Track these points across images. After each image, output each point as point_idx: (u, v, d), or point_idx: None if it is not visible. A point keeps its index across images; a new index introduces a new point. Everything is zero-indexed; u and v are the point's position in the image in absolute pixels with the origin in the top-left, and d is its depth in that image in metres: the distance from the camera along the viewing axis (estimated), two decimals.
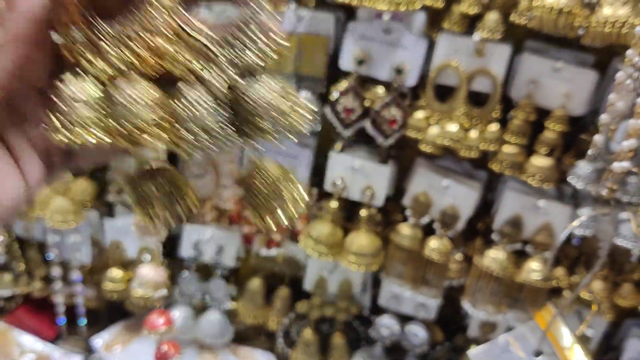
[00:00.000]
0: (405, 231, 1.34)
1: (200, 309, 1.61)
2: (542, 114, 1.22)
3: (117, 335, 1.63)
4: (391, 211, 1.42)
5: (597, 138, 1.10)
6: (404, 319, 1.51)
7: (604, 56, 1.19)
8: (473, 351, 1.02)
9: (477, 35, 1.13)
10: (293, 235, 1.46)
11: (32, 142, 0.50)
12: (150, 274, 1.31)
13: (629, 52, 0.88)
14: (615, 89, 0.87)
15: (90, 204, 1.55)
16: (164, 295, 1.36)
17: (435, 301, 1.40)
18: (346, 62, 1.25)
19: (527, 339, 0.97)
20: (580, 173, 1.19)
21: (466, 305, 1.35)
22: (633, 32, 1.03)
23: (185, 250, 1.53)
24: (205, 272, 1.61)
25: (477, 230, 1.39)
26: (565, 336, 0.95)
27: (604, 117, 0.98)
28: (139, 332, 1.65)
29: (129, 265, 1.60)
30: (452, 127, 1.21)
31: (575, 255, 1.32)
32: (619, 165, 0.88)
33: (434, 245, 1.32)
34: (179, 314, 1.57)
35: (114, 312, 1.82)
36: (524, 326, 1.00)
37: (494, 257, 1.29)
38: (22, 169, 0.49)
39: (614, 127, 0.98)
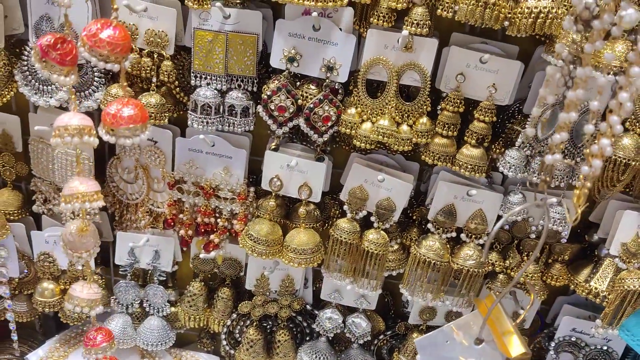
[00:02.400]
0: (343, 225, 1.35)
1: (139, 316, 1.57)
2: (470, 105, 1.25)
3: (53, 350, 1.57)
4: (328, 206, 1.42)
5: (528, 129, 1.14)
6: (347, 311, 1.53)
7: (528, 46, 1.23)
8: (418, 339, 1.03)
9: (405, 31, 1.14)
10: (232, 236, 1.44)
11: None
12: (84, 292, 1.26)
13: (557, 46, 0.90)
14: (546, 83, 0.90)
15: (16, 216, 1.48)
16: (101, 312, 1.31)
17: (376, 292, 1.41)
18: (277, 60, 1.23)
19: (470, 328, 1.00)
20: (510, 161, 1.23)
21: (405, 292, 1.38)
22: (558, 23, 1.07)
23: (120, 257, 1.48)
24: (142, 278, 1.57)
25: (412, 220, 1.41)
26: (504, 324, 0.98)
27: (534, 110, 1.01)
28: (76, 345, 1.60)
29: (60, 277, 1.54)
30: (384, 122, 1.22)
31: (507, 239, 1.36)
32: (552, 158, 0.92)
33: (372, 238, 1.34)
34: (117, 323, 1.53)
35: (47, 324, 1.76)
36: (468, 315, 1.02)
37: (430, 246, 1.32)
38: None
39: (544, 119, 1.01)
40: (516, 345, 0.97)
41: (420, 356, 0.99)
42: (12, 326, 1.58)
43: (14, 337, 1.60)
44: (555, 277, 1.37)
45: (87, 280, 1.28)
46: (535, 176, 1.23)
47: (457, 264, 1.31)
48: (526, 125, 1.18)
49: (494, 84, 1.20)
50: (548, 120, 1.12)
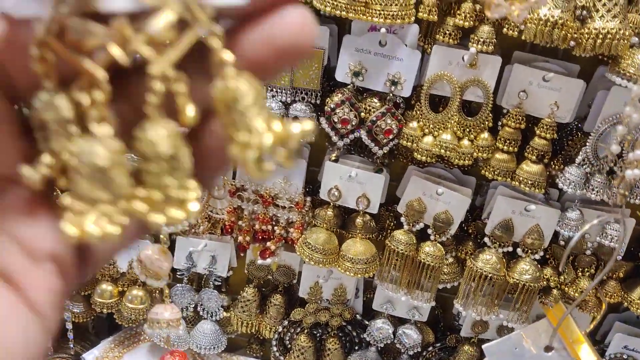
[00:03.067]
0: (400, 237, 1.37)
1: (191, 320, 1.61)
2: (531, 122, 1.27)
3: (107, 351, 1.61)
4: (383, 218, 1.45)
5: (613, 146, 1.15)
6: (397, 321, 1.55)
7: (587, 65, 1.25)
8: (486, 345, 1.06)
9: (473, 48, 1.17)
10: (287, 244, 1.47)
11: (29, 251, 0.39)
12: (167, 314, 1.31)
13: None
14: (632, 102, 0.92)
15: None
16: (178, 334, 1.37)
17: (429, 304, 1.43)
18: (342, 74, 1.27)
19: (538, 335, 1.02)
20: (570, 178, 1.25)
21: (459, 306, 1.40)
22: (624, 44, 1.09)
23: (179, 262, 1.52)
24: (196, 282, 1.61)
25: (468, 234, 1.43)
26: (575, 333, 1.00)
27: (620, 129, 1.03)
28: (130, 346, 1.64)
29: (119, 279, 1.58)
30: (446, 136, 1.25)
31: (562, 255, 1.37)
32: (632, 173, 0.93)
33: (428, 250, 1.36)
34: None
35: (100, 325, 1.80)
36: (537, 323, 1.04)
37: (487, 260, 1.34)
38: (27, 297, 0.38)
39: (630, 137, 1.03)
40: (588, 354, 0.98)
41: None
42: (68, 326, 1.63)
43: (70, 336, 1.64)
44: (609, 294, 1.38)
45: (165, 302, 1.32)
46: (593, 193, 1.24)
47: (513, 278, 1.33)
48: (593, 143, 1.19)
49: (555, 102, 1.22)
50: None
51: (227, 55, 0.35)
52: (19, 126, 0.37)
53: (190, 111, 0.36)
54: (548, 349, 0.98)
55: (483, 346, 1.04)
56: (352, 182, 1.36)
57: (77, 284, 0.42)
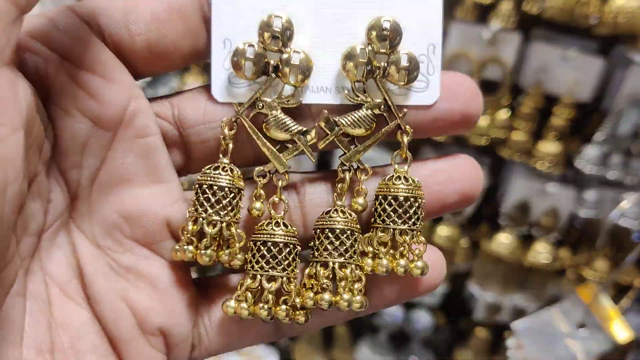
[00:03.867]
0: None
1: None
2: (549, 101, 1.25)
3: None
4: None
5: (607, 125, 1.15)
6: (408, 305, 1.53)
7: (607, 43, 1.24)
8: (516, 323, 1.05)
9: (495, 25, 1.15)
10: None
11: (141, 320, 0.42)
12: None
13: None
14: None
15: None
16: None
17: (442, 286, 1.42)
18: None
19: (570, 313, 1.01)
20: (588, 157, 1.24)
21: (474, 288, 1.38)
22: None
23: None
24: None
25: (481, 216, 1.41)
26: (606, 310, 0.99)
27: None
28: None
29: None
30: None
31: (577, 236, 1.37)
32: None
33: (444, 233, 1.34)
34: None
35: None
36: (568, 300, 1.03)
37: (503, 242, 1.33)
38: None
39: None
40: (622, 331, 0.98)
41: (522, 340, 0.99)
42: None
43: None
44: (623, 273, 1.37)
45: None
46: (611, 173, 1.23)
47: (529, 259, 1.32)
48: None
49: (575, 80, 1.21)
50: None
51: (409, 158, 0.44)
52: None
53: (361, 201, 0.44)
54: (580, 325, 0.98)
55: (512, 324, 1.03)
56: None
57: None
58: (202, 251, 0.42)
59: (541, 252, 1.31)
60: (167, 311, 0.42)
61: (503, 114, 1.24)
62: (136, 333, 0.41)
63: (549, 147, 1.24)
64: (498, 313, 1.45)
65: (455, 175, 0.45)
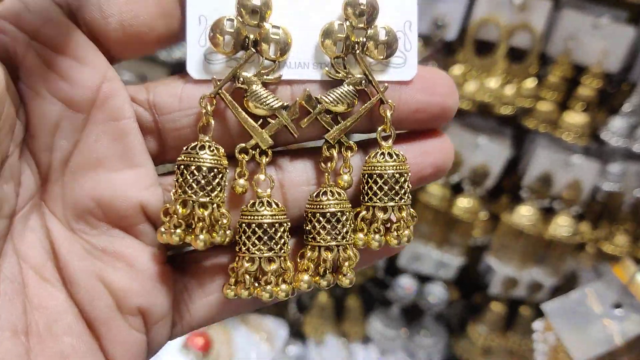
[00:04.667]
0: (434, 191, 1.32)
1: None
2: (577, 71, 1.23)
3: None
4: None
5: (635, 96, 1.12)
6: (422, 279, 1.51)
7: (637, 12, 1.21)
8: (546, 305, 1.02)
9: None
10: None
11: (119, 302, 0.41)
12: None
13: None
14: None
15: None
16: None
17: (458, 260, 1.40)
18: None
19: (604, 293, 0.98)
20: (614, 129, 1.21)
21: (492, 261, 1.36)
22: None
23: None
24: None
25: (501, 189, 1.39)
26: None
27: None
28: None
29: None
30: (492, 83, 1.20)
31: (599, 210, 1.35)
32: None
33: (463, 204, 1.32)
34: None
35: None
36: (601, 280, 1.01)
37: (524, 214, 1.30)
38: (104, 348, 0.41)
39: None
40: None
41: (552, 322, 0.97)
42: None
43: None
44: None
45: None
46: (638, 145, 1.21)
47: (550, 233, 1.30)
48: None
49: (604, 49, 1.18)
50: None
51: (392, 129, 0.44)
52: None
53: (346, 178, 0.44)
54: (616, 305, 0.95)
55: (542, 306, 1.00)
56: None
57: (164, 342, 0.44)
58: (197, 235, 0.41)
59: (562, 226, 1.29)
60: (145, 291, 0.42)
61: (530, 83, 1.21)
62: (114, 313, 0.41)
63: (575, 117, 1.22)
64: (514, 287, 1.44)
65: (429, 149, 0.46)
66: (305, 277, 0.43)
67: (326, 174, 0.44)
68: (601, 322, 0.96)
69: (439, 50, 1.21)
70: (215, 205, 0.41)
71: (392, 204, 0.43)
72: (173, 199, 0.41)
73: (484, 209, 1.36)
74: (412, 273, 1.48)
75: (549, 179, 1.29)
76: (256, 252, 0.42)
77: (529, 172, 1.30)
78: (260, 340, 1.47)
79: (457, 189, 1.34)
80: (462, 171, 1.31)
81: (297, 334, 1.54)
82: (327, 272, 0.43)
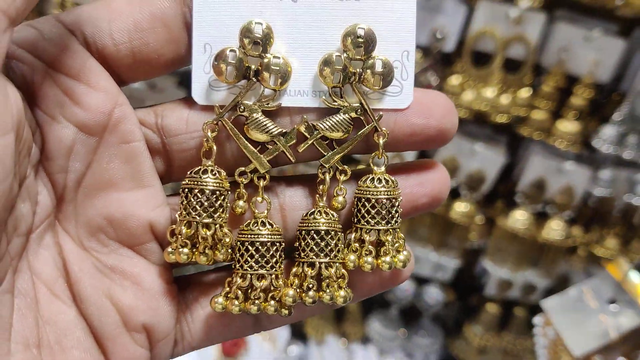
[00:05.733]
0: None
1: None
2: (569, 81, 1.28)
3: None
4: None
5: (625, 105, 1.18)
6: (419, 281, 1.55)
7: (629, 25, 1.26)
8: (547, 302, 1.08)
9: (523, 4, 1.17)
10: None
11: (125, 318, 0.44)
12: None
13: None
14: None
15: None
16: None
17: (455, 262, 1.44)
18: None
19: (600, 289, 1.04)
20: (605, 137, 1.26)
21: (487, 264, 1.41)
22: None
23: None
24: None
25: (497, 194, 1.44)
26: (635, 286, 1.02)
27: None
28: None
29: None
30: (489, 93, 1.25)
31: (590, 214, 1.40)
32: None
33: (460, 209, 1.36)
34: None
35: None
36: (596, 277, 1.06)
37: (519, 218, 1.35)
38: None
39: None
40: None
41: (552, 317, 1.02)
42: None
43: None
44: (633, 251, 1.41)
45: None
46: (628, 153, 1.26)
47: (543, 236, 1.35)
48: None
49: (595, 61, 1.23)
50: None
51: (383, 159, 0.46)
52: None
53: (341, 199, 0.46)
54: (611, 301, 1.01)
55: (542, 302, 1.05)
56: None
57: (167, 358, 0.46)
58: (201, 253, 0.44)
59: (555, 229, 1.34)
60: (150, 309, 0.44)
61: (524, 92, 1.26)
62: (120, 330, 0.43)
63: (568, 126, 1.27)
64: (509, 289, 1.48)
65: (425, 180, 0.47)
66: (290, 291, 0.44)
67: (317, 195, 0.46)
68: (597, 317, 1.01)
69: (438, 61, 1.26)
70: (217, 225, 0.44)
71: (381, 227, 0.45)
72: (178, 220, 0.44)
73: (480, 213, 1.41)
74: (410, 275, 1.52)
75: (543, 184, 1.34)
76: (248, 268, 0.44)
77: (523, 178, 1.35)
78: (262, 340, 1.52)
79: (454, 194, 1.39)
80: (459, 177, 1.36)
81: (298, 334, 1.59)
82: (311, 288, 0.45)
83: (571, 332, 1.02)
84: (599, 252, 1.37)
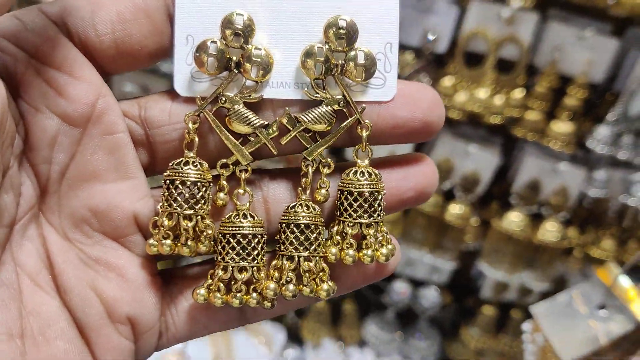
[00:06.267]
0: None
1: None
2: (563, 81, 1.27)
3: None
4: None
5: (619, 105, 1.17)
6: (416, 283, 1.55)
7: (621, 25, 1.26)
8: (537, 307, 1.06)
9: (515, 4, 1.16)
10: None
11: (109, 310, 0.43)
12: None
13: None
14: None
15: None
16: None
17: (451, 265, 1.44)
18: None
19: (589, 295, 1.02)
20: (600, 137, 1.26)
21: (484, 267, 1.41)
22: None
23: None
24: None
25: (492, 195, 1.43)
26: (625, 291, 1.01)
27: None
28: None
29: None
30: (482, 94, 1.24)
31: (585, 215, 1.39)
32: None
33: (455, 211, 1.36)
34: None
35: None
36: (585, 283, 1.05)
37: (513, 220, 1.35)
38: (93, 352, 0.43)
39: None
40: None
41: (541, 323, 1.01)
42: None
43: None
44: (629, 252, 1.40)
45: None
46: (622, 153, 1.26)
47: (538, 238, 1.34)
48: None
49: (589, 61, 1.22)
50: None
51: (367, 152, 0.45)
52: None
53: (323, 192, 0.46)
54: (600, 307, 1.00)
55: (531, 308, 1.05)
56: None
57: (151, 352, 0.46)
58: (183, 244, 0.43)
59: (550, 231, 1.34)
60: (134, 301, 0.43)
61: (518, 93, 1.26)
62: (105, 321, 0.42)
63: (562, 126, 1.26)
64: (505, 291, 1.48)
65: (410, 173, 0.46)
66: (271, 285, 0.44)
67: (300, 188, 0.46)
68: (587, 322, 1.00)
69: (430, 62, 1.26)
70: (199, 217, 0.43)
71: (363, 220, 0.44)
72: (160, 211, 0.43)
73: (475, 215, 1.40)
74: (407, 278, 1.52)
75: (537, 185, 1.33)
76: (229, 261, 0.44)
77: (517, 179, 1.34)
78: (259, 344, 1.51)
79: (449, 196, 1.38)
80: (454, 178, 1.35)
81: (294, 338, 1.58)
82: (290, 281, 0.44)
83: (560, 338, 1.01)
84: (595, 254, 1.36)
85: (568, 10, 1.24)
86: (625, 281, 1.01)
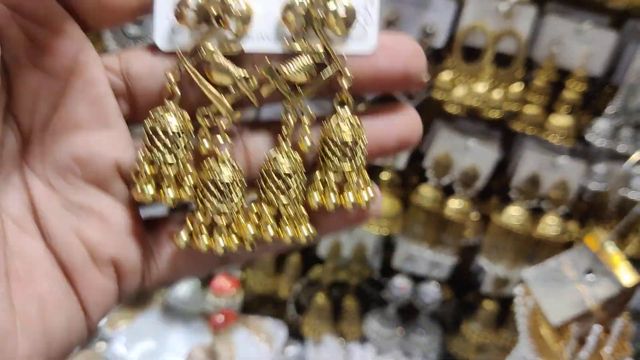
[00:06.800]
0: (426, 192, 1.36)
1: (206, 280, 1.58)
2: (561, 74, 1.27)
3: (119, 311, 1.57)
4: (408, 173, 1.44)
5: (618, 98, 1.17)
6: (416, 279, 1.55)
7: (620, 18, 1.25)
8: (527, 272, 1.10)
9: None
10: None
11: (93, 252, 0.44)
12: None
13: None
14: None
15: None
16: None
17: (451, 260, 1.43)
18: None
19: (577, 261, 1.06)
20: (599, 131, 1.25)
21: (483, 262, 1.40)
22: None
23: None
24: None
25: (491, 189, 1.43)
26: (612, 257, 1.05)
27: None
28: (142, 307, 1.60)
29: None
30: (480, 88, 1.24)
31: (585, 209, 1.39)
32: None
33: (454, 206, 1.36)
34: (185, 286, 1.54)
35: None
36: (573, 250, 1.09)
37: (513, 214, 1.34)
38: (79, 293, 0.44)
39: None
40: (627, 274, 1.03)
41: (532, 287, 1.05)
42: None
43: None
44: (629, 246, 1.40)
45: None
46: (622, 146, 1.25)
47: (538, 232, 1.34)
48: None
49: (587, 54, 1.22)
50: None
51: (349, 98, 0.46)
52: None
53: (307, 141, 0.46)
54: (588, 272, 1.04)
55: (522, 272, 1.09)
56: None
57: (133, 292, 0.47)
58: (165, 191, 0.44)
59: (550, 225, 1.33)
60: (118, 244, 0.45)
61: (516, 87, 1.25)
62: (88, 263, 0.44)
63: (561, 120, 1.26)
64: (505, 286, 1.48)
65: (392, 122, 0.47)
66: (251, 227, 0.45)
67: (280, 137, 0.46)
68: (575, 287, 1.03)
69: (428, 57, 1.25)
70: (181, 163, 0.44)
71: (345, 168, 0.45)
72: (141, 159, 0.44)
73: (475, 210, 1.40)
74: (407, 273, 1.52)
75: (537, 179, 1.33)
76: (209, 206, 0.44)
77: (517, 173, 1.34)
78: (259, 341, 1.51)
79: (448, 191, 1.38)
80: (453, 173, 1.35)
81: (295, 334, 1.58)
82: (268, 223, 0.45)
83: (549, 301, 1.05)
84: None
85: (566, 4, 1.24)
86: (611, 247, 1.04)
